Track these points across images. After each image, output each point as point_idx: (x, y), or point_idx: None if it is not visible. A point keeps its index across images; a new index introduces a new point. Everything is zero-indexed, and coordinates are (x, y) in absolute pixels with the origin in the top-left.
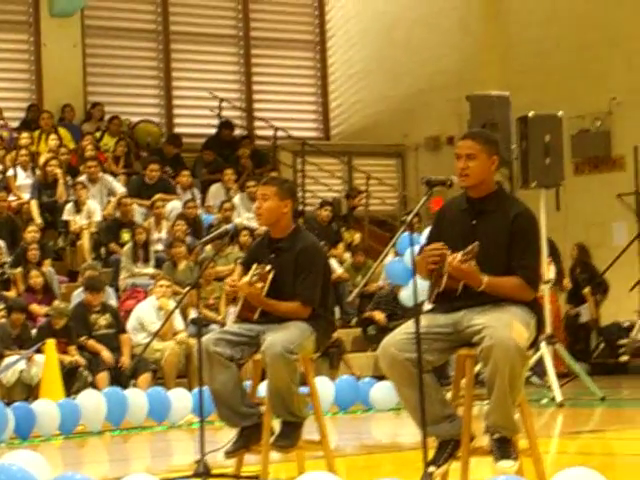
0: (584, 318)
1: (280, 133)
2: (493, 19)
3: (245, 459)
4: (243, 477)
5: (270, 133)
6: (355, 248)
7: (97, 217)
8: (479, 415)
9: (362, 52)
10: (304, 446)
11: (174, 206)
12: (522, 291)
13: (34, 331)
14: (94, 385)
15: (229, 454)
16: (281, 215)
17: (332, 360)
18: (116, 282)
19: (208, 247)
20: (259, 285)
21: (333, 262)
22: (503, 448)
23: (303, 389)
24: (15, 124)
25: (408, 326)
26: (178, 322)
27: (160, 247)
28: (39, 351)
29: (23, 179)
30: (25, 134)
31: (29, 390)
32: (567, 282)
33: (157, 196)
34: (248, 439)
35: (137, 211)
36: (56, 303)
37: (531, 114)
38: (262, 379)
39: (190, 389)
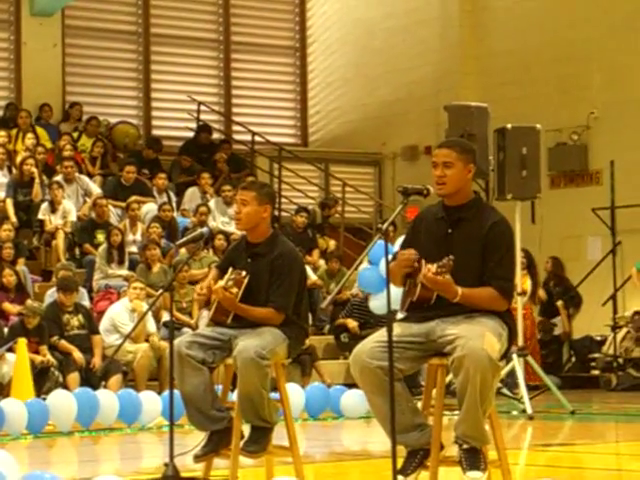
0: (558, 330)
1: (258, 138)
2: (472, 30)
3: (214, 463)
4: None
5: (248, 138)
6: (330, 255)
7: (72, 217)
8: (449, 425)
9: (342, 59)
10: (273, 451)
11: (150, 208)
12: (496, 302)
13: (6, 330)
14: (65, 385)
15: (198, 458)
16: (260, 220)
17: (304, 367)
18: (90, 283)
19: (182, 250)
20: (234, 290)
21: (307, 269)
22: (472, 458)
23: (274, 395)
24: None
25: (380, 334)
26: (151, 325)
27: (134, 249)
28: (10, 350)
29: None
30: (2, 132)
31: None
32: (542, 293)
33: (133, 198)
34: (217, 443)
35: (112, 212)
36: (29, 302)
37: (509, 126)
38: (233, 384)
39: (161, 392)
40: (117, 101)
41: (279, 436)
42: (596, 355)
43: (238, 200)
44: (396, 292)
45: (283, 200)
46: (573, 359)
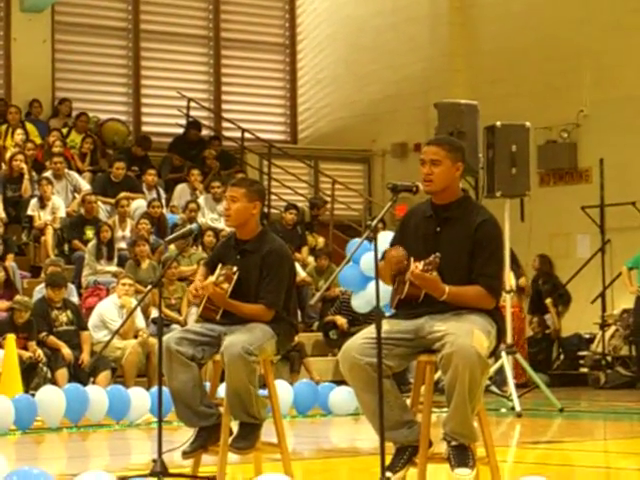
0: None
1: (247, 135)
2: (462, 28)
3: (202, 459)
4: (200, 477)
5: (237, 135)
6: (319, 252)
7: (61, 213)
8: (437, 422)
9: (331, 57)
10: (262, 448)
11: (139, 205)
12: (484, 300)
13: None
14: (53, 381)
15: (186, 454)
16: (249, 217)
17: (293, 364)
18: (78, 279)
19: (171, 247)
20: (225, 285)
21: (297, 266)
22: (460, 455)
23: (262, 391)
24: None
25: (370, 331)
26: (139, 321)
27: (124, 245)
28: None
29: None
30: None
31: None
32: (525, 284)
33: (122, 194)
34: (206, 439)
35: (102, 208)
36: (19, 297)
37: (499, 124)
38: (222, 380)
39: (149, 388)
40: (107, 97)
41: (267, 433)
42: (585, 353)
43: (228, 197)
44: (381, 290)
45: (272, 197)
46: (562, 357)
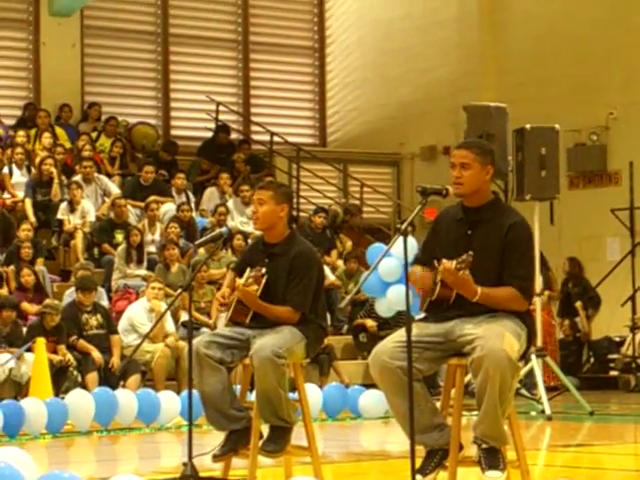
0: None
1: (276, 138)
2: (491, 30)
3: (232, 463)
4: None
5: (266, 138)
6: (348, 255)
7: (91, 217)
8: (468, 425)
9: (360, 60)
10: (292, 451)
11: (168, 208)
12: (515, 302)
13: (24, 329)
14: (83, 385)
15: (217, 457)
16: (277, 220)
17: (322, 367)
18: (108, 283)
19: (201, 250)
20: (254, 287)
21: (326, 269)
22: (491, 458)
23: (292, 395)
24: (11, 122)
25: (400, 334)
26: (169, 325)
27: (153, 249)
28: (29, 350)
29: (18, 177)
30: (21, 132)
31: (18, 388)
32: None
33: (151, 198)
34: (236, 443)
35: (131, 212)
36: (49, 301)
37: (528, 126)
38: (252, 383)
39: (179, 392)
40: (136, 101)
41: (298, 436)
42: (615, 356)
43: (255, 200)
44: (403, 295)
45: (301, 200)
46: (592, 360)
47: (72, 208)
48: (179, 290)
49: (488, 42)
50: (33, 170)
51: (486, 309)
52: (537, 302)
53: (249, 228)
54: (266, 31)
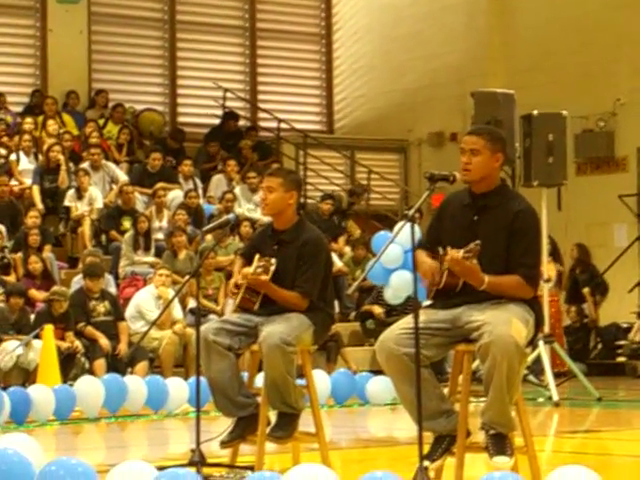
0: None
1: (283, 125)
2: (498, 16)
3: (240, 449)
4: (238, 467)
5: (274, 125)
6: (356, 242)
7: (99, 204)
8: (475, 411)
9: (367, 46)
10: (300, 438)
11: (176, 195)
12: (522, 289)
13: (32, 316)
14: (91, 372)
15: (224, 444)
16: (286, 206)
17: (330, 353)
18: (116, 270)
19: (208, 237)
20: (263, 277)
21: (333, 255)
22: (499, 444)
23: (300, 381)
24: (19, 109)
25: (407, 321)
26: (177, 311)
27: (160, 236)
28: (37, 337)
29: (25, 164)
30: (29, 119)
31: (26, 375)
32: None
33: (159, 185)
34: (244, 429)
35: (139, 199)
36: (56, 288)
37: (535, 112)
38: (260, 370)
39: (186, 378)
40: (143, 88)
41: (305, 422)
42: (622, 342)
43: (264, 187)
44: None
45: (309, 187)
46: (599, 346)
47: (79, 195)
48: (187, 277)
49: (496, 28)
50: (40, 157)
51: (493, 295)
52: (545, 288)
53: (256, 215)
54: (273, 18)
